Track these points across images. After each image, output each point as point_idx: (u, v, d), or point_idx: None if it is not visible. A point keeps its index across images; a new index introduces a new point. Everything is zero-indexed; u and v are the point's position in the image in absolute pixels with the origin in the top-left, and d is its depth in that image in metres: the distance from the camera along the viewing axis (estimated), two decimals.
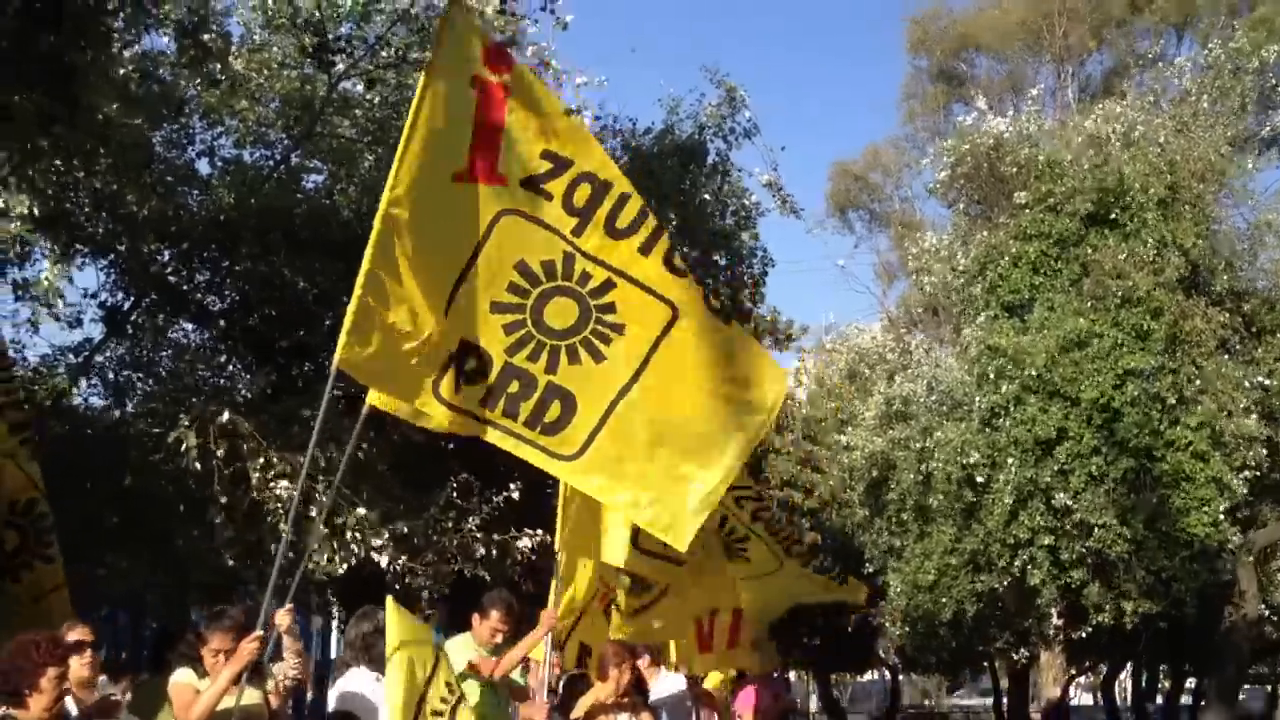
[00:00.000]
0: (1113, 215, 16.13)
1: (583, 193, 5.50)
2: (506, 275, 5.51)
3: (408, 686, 5.75)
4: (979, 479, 16.17)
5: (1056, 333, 15.61)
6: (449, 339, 5.48)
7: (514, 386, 5.57)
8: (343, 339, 5.14)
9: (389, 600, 6.11)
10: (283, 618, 6.13)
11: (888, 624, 20.27)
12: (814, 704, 39.19)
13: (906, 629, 19.53)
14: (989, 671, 27.00)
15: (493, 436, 5.66)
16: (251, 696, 5.67)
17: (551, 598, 7.16)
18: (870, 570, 19.96)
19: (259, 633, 5.54)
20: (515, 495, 9.89)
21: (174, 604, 10.94)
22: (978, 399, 16.72)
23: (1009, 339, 16.06)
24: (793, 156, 78.28)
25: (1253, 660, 21.71)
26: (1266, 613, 18.25)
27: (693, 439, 5.79)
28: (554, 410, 5.60)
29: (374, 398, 5.51)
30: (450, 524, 9.68)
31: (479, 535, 9.78)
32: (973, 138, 18.46)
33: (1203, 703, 21.76)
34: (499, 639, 6.90)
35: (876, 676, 41.56)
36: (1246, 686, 35.60)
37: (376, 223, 5.14)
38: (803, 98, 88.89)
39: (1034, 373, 15.44)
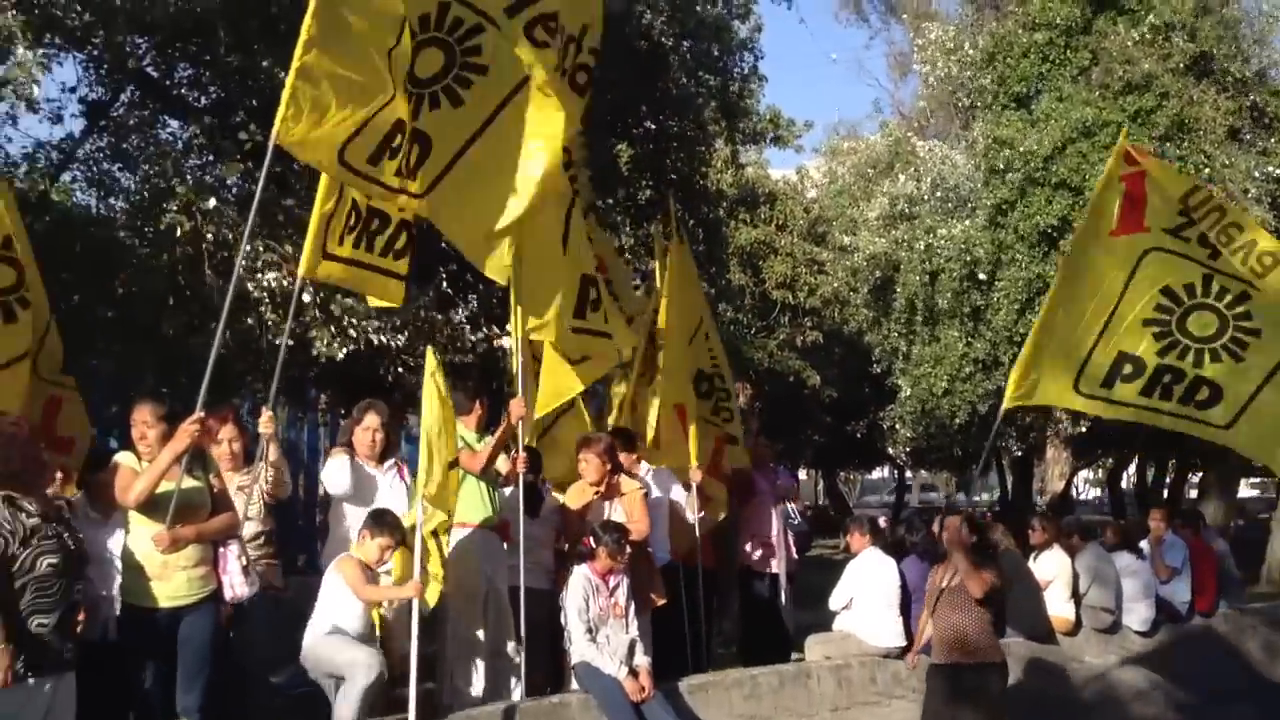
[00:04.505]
0: (1121, 1, 15.60)
1: None
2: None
3: (428, 460, 5.80)
4: (982, 276, 16.09)
5: (1063, 123, 15.28)
6: (394, 111, 5.56)
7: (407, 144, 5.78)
8: (280, 113, 5.12)
9: (429, 354, 6.08)
10: (265, 425, 6.22)
11: (898, 426, 20.38)
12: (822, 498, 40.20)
13: (919, 429, 19.60)
14: (996, 468, 27.49)
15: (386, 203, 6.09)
16: (191, 483, 5.53)
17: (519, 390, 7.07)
18: (877, 370, 20.11)
19: (199, 414, 5.38)
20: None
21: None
22: (984, 195, 16.51)
23: (1016, 130, 15.74)
24: None
25: None
26: None
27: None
28: (415, 153, 5.85)
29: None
30: (440, 316, 9.65)
31: (467, 326, 9.79)
32: None
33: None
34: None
35: (886, 474, 42.51)
36: (1254, 480, 36.04)
37: None
38: None
39: (1039, 164, 15.16)
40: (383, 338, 8.85)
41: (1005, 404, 7.34)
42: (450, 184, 6.08)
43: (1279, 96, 16.40)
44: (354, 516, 6.56)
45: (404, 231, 6.66)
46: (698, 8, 12.99)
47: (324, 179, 6.02)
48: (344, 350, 8.69)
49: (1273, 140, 16.23)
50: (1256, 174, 15.54)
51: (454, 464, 6.11)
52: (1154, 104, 14.77)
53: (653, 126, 13.63)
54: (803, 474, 39.33)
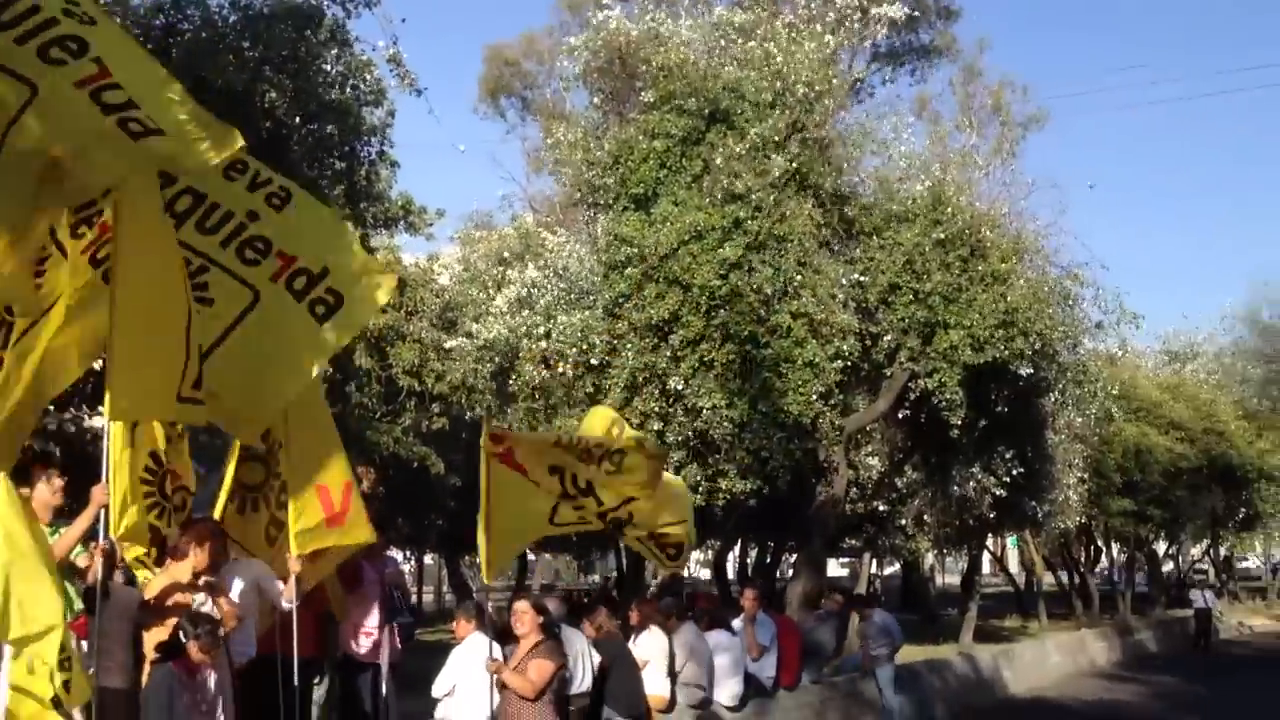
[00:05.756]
0: (730, 117, 16.95)
1: None
2: None
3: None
4: (594, 362, 16.74)
5: (677, 225, 16.29)
6: None
7: None
8: None
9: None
10: None
11: None
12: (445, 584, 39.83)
13: None
14: (615, 551, 28.40)
15: None
16: None
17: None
18: None
19: None
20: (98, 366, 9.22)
21: None
22: (603, 288, 17.25)
23: (635, 229, 16.62)
24: (452, 38, 76.79)
25: (843, 534, 23.87)
26: (854, 491, 20.12)
27: None
28: None
29: None
30: None
31: (51, 410, 9.14)
32: (605, 35, 18.80)
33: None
34: None
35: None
36: (844, 560, 39.27)
37: None
38: None
39: (655, 262, 16.06)
40: None
41: None
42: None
43: (866, 211, 18.20)
44: None
45: None
46: (321, 90, 12.94)
47: None
48: None
49: (858, 250, 17.97)
50: (844, 280, 17.12)
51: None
52: (750, 214, 16.05)
53: None
54: (429, 559, 38.97)
